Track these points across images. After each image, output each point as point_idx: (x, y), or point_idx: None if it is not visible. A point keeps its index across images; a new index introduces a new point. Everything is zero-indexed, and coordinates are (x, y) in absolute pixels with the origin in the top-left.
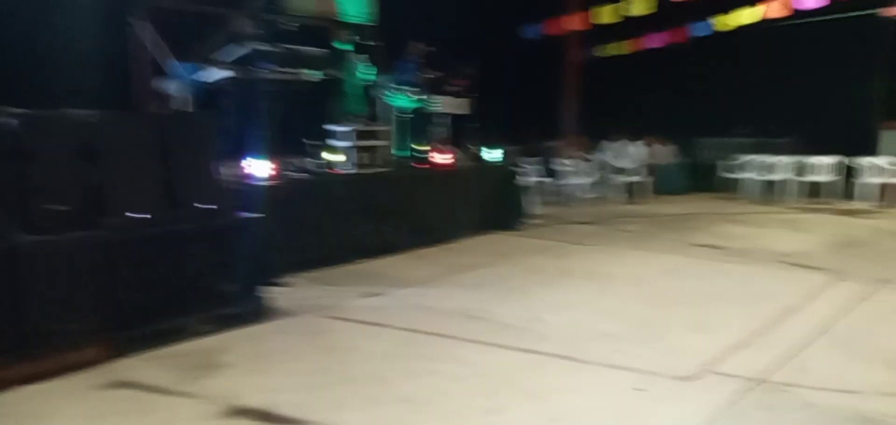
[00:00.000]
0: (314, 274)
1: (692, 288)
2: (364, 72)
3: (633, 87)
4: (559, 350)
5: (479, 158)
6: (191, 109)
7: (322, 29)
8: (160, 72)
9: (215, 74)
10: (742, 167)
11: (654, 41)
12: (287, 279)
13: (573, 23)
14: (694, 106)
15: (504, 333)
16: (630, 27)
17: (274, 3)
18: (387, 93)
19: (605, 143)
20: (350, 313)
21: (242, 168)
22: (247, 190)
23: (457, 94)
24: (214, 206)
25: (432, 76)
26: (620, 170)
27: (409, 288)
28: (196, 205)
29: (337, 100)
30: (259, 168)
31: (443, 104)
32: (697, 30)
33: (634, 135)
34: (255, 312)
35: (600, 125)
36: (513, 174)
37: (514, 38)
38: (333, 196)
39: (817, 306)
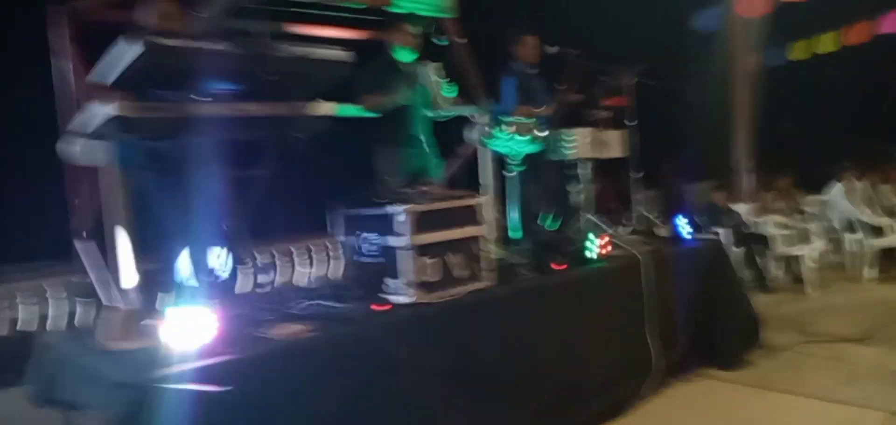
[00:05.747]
0: None
1: None
2: (446, 92)
3: (829, 100)
4: None
5: (669, 237)
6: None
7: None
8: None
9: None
10: None
11: None
12: None
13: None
14: None
15: None
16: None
17: None
18: (486, 131)
19: (833, 187)
20: None
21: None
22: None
23: (602, 124)
24: None
25: (565, 96)
26: (868, 228)
27: None
28: None
29: (393, 152)
30: (190, 324)
31: (582, 143)
32: None
33: (856, 173)
34: None
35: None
36: (727, 262)
37: (673, 29)
38: (385, 363)
39: None
